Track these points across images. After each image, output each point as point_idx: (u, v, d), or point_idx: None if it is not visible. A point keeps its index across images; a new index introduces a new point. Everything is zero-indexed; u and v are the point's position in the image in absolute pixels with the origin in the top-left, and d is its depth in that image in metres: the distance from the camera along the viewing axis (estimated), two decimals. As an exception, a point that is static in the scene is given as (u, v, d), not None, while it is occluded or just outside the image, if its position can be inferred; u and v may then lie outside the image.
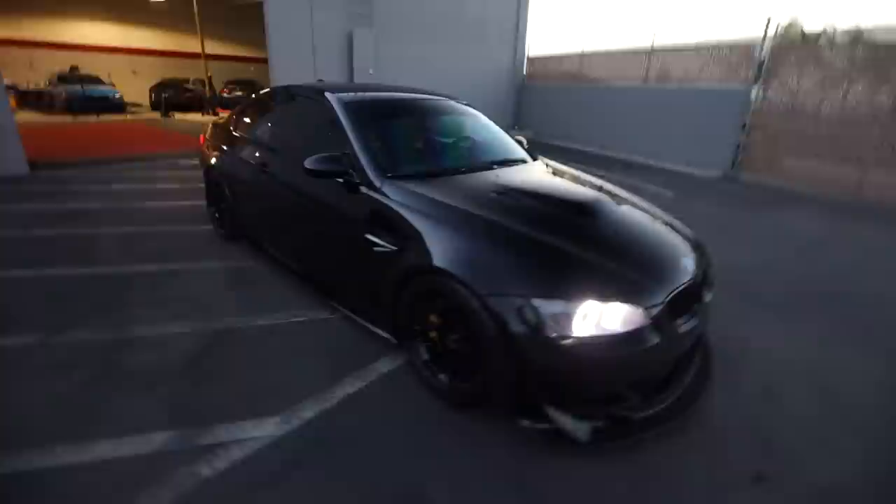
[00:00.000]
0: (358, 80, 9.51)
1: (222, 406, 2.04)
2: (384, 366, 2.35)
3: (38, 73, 16.41)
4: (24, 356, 2.33)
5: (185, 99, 16.24)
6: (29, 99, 15.63)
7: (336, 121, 2.64)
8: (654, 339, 1.77)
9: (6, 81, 16.94)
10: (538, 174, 2.88)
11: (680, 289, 1.89)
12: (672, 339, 1.85)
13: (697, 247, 2.27)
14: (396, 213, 2.20)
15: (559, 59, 12.98)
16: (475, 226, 2.01)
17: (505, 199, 2.28)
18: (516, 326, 1.72)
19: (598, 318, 1.71)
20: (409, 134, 2.94)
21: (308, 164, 2.37)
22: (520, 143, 3.43)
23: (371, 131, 2.64)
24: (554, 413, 1.79)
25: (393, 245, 2.15)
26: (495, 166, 2.77)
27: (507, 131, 3.52)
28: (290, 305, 2.92)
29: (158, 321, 2.69)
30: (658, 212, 2.54)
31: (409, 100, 3.18)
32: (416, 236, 2.08)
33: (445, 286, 1.90)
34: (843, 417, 2.17)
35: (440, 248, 1.97)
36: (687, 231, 2.41)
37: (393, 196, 2.27)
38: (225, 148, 3.75)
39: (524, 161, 3.07)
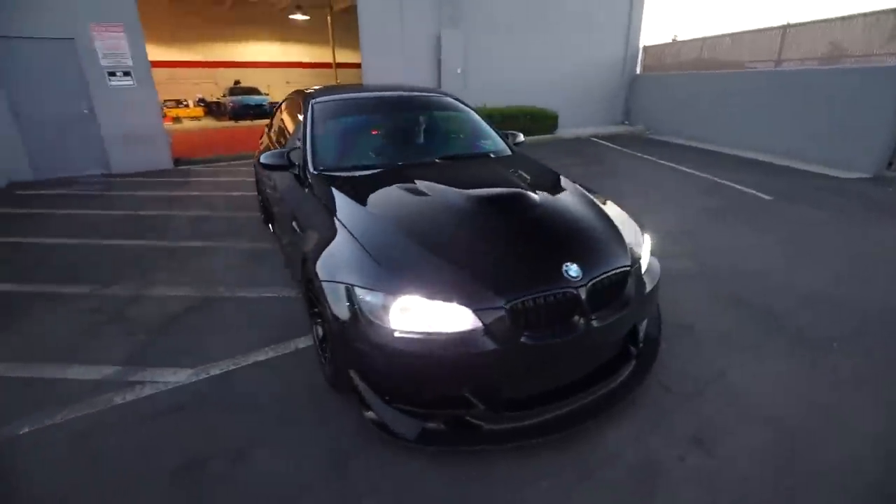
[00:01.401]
0: (445, 79, 9.82)
1: (162, 355, 2.48)
2: (302, 342, 2.56)
3: (220, 87, 20.43)
4: (74, 300, 3.11)
5: (319, 104, 18.61)
6: (212, 108, 19.64)
7: (305, 120, 2.93)
8: (488, 346, 1.65)
9: (198, 95, 21.27)
10: (480, 169, 2.80)
11: (536, 297, 1.71)
12: (519, 350, 1.69)
13: (618, 258, 1.98)
14: (310, 202, 2.40)
15: (677, 46, 11.56)
16: (347, 217, 2.09)
17: (404, 195, 2.29)
18: (341, 312, 1.78)
19: (420, 314, 1.67)
20: (364, 131, 3.08)
21: (262, 158, 2.71)
22: (505, 137, 3.31)
23: (327, 130, 2.86)
24: (376, 404, 1.80)
25: (301, 231, 2.35)
26: (438, 161, 2.76)
27: (496, 132, 3.42)
28: (274, 282, 3.32)
29: (171, 284, 3.32)
30: (591, 215, 2.25)
31: (380, 98, 3.32)
32: (312, 225, 2.24)
33: (311, 271, 2.03)
34: (764, 491, 1.71)
35: (316, 236, 2.10)
36: (620, 240, 2.09)
37: (314, 188, 2.46)
38: (261, 145, 4.36)
39: (487, 156, 2.98)
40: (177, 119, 18.06)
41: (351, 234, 1.99)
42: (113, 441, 1.89)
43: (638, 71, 12.45)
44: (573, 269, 1.80)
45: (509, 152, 3.15)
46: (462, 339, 1.65)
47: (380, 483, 1.70)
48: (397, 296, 1.68)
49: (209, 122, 17.40)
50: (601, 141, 10.39)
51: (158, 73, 19.30)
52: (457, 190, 2.32)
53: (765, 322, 2.78)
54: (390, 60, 9.31)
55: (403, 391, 1.80)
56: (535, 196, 2.26)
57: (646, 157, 8.28)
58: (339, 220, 2.10)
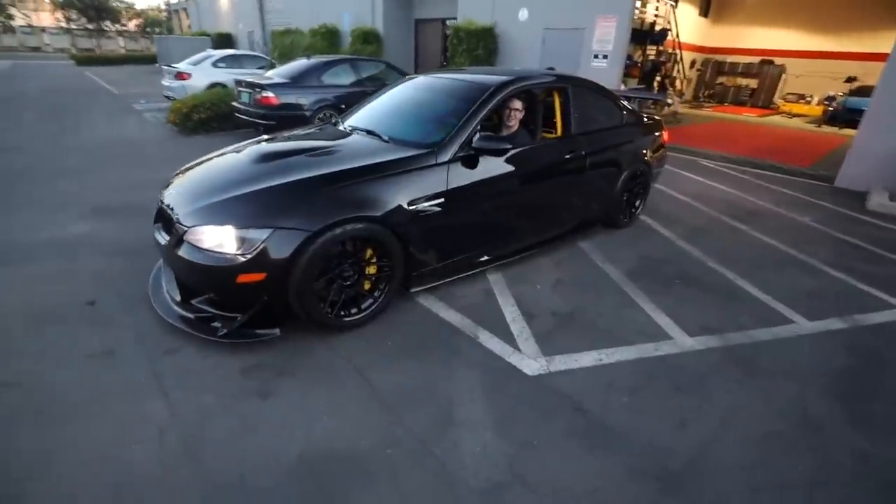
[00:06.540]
0: None
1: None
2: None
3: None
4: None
5: None
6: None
7: None
8: None
9: (830, 92, 18.17)
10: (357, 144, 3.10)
11: (161, 205, 2.65)
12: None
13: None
14: None
15: None
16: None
17: (271, 144, 3.25)
18: None
19: None
20: (385, 103, 3.73)
21: None
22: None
23: (386, 97, 3.81)
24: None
25: None
26: (355, 137, 3.23)
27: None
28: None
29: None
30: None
31: (434, 79, 3.74)
32: None
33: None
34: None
35: None
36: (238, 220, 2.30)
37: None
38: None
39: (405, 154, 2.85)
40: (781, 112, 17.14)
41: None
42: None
43: None
44: (169, 197, 2.61)
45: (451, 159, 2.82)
46: None
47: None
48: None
49: (801, 124, 15.22)
50: None
51: (796, 64, 17.94)
52: (296, 144, 3.25)
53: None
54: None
55: None
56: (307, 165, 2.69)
57: None
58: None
